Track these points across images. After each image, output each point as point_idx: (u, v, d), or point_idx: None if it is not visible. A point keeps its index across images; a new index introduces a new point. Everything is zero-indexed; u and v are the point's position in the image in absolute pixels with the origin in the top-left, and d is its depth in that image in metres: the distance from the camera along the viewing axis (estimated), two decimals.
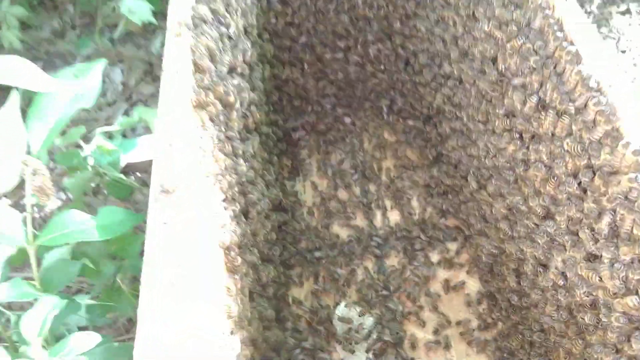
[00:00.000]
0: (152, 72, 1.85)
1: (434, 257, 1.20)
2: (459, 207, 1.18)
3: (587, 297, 0.70)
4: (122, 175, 1.45)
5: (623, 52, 1.67)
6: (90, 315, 1.13)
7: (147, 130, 1.63)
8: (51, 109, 0.67)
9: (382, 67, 1.37)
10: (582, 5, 1.79)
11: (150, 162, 1.71)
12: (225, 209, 0.78)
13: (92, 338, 0.59)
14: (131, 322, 1.27)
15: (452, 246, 1.20)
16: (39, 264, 0.68)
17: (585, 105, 0.67)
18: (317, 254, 1.23)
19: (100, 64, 0.75)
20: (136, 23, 1.72)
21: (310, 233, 1.26)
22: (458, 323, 1.11)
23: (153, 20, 1.71)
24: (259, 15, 1.13)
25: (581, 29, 0.72)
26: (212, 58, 0.80)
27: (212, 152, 0.74)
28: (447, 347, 1.10)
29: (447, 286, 1.16)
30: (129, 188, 1.52)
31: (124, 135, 1.68)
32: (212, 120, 0.78)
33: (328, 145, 1.40)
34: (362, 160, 1.37)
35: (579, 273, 0.70)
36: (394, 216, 1.28)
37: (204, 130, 0.73)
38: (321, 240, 1.25)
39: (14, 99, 0.66)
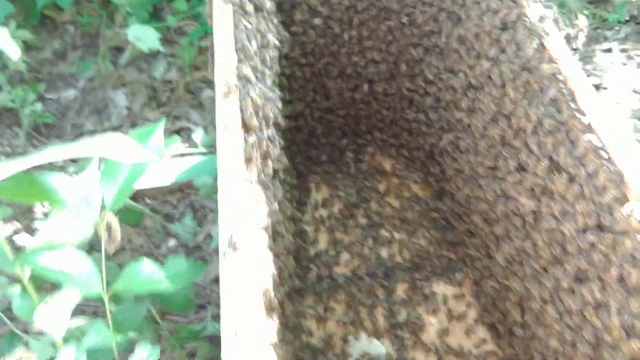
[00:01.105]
0: (156, 97, 1.90)
1: (439, 287, 1.29)
2: (464, 240, 1.27)
3: (594, 337, 0.80)
4: (132, 202, 1.51)
5: (605, 89, 1.81)
6: None
7: None
8: (119, 170, 0.74)
9: (387, 105, 1.46)
10: (568, 42, 1.91)
11: (159, 188, 1.77)
12: (270, 250, 0.86)
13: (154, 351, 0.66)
14: None
15: (456, 277, 1.29)
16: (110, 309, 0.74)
17: (596, 172, 0.77)
18: (326, 284, 1.31)
19: (160, 126, 0.82)
20: (142, 50, 1.78)
21: (318, 262, 1.34)
22: (461, 351, 1.21)
23: (160, 47, 1.77)
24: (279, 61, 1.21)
25: (591, 100, 0.82)
26: (257, 115, 0.87)
27: (261, 201, 0.81)
28: None
29: (450, 316, 1.25)
30: (139, 214, 1.57)
31: None
32: (257, 170, 0.85)
33: (334, 177, 1.48)
34: (367, 192, 1.45)
35: (586, 317, 0.80)
36: (400, 247, 1.36)
37: (254, 181, 0.81)
38: (329, 270, 1.33)
39: (95, 164, 0.73)
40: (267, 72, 0.98)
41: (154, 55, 1.98)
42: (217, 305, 1.40)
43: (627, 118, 1.73)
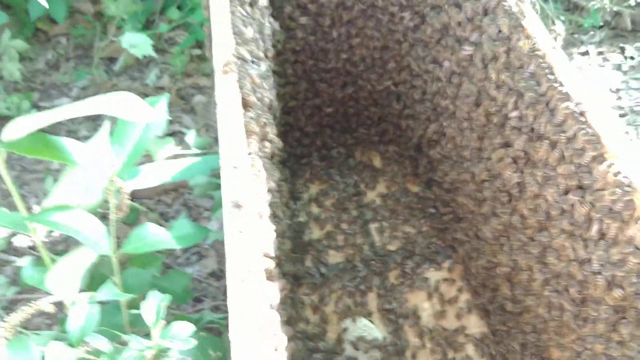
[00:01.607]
0: None
1: (430, 273, 1.33)
2: (452, 226, 1.32)
3: (579, 295, 0.84)
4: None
5: None
6: None
7: (149, 158, 1.72)
8: (129, 135, 0.77)
9: (374, 101, 1.52)
10: None
11: (154, 188, 1.80)
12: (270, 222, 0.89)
13: (188, 327, 0.69)
14: None
15: (446, 263, 1.33)
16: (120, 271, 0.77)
17: (575, 136, 0.82)
18: (320, 272, 1.34)
19: (164, 98, 0.86)
20: (136, 56, 1.84)
21: (312, 251, 1.37)
22: (454, 334, 1.24)
23: (154, 54, 1.82)
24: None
25: (567, 72, 0.88)
26: (255, 93, 0.92)
27: (260, 174, 0.85)
28: (445, 353, 1.22)
29: (442, 300, 1.29)
30: (136, 212, 1.60)
31: None
32: (256, 145, 0.90)
33: (325, 173, 1.53)
34: (358, 186, 1.50)
35: (572, 275, 0.84)
36: (391, 236, 1.40)
37: (254, 155, 0.85)
38: (323, 259, 1.36)
39: (106, 128, 0.76)
40: (262, 57, 1.03)
41: (146, 63, 2.03)
42: (214, 298, 1.44)
43: None
